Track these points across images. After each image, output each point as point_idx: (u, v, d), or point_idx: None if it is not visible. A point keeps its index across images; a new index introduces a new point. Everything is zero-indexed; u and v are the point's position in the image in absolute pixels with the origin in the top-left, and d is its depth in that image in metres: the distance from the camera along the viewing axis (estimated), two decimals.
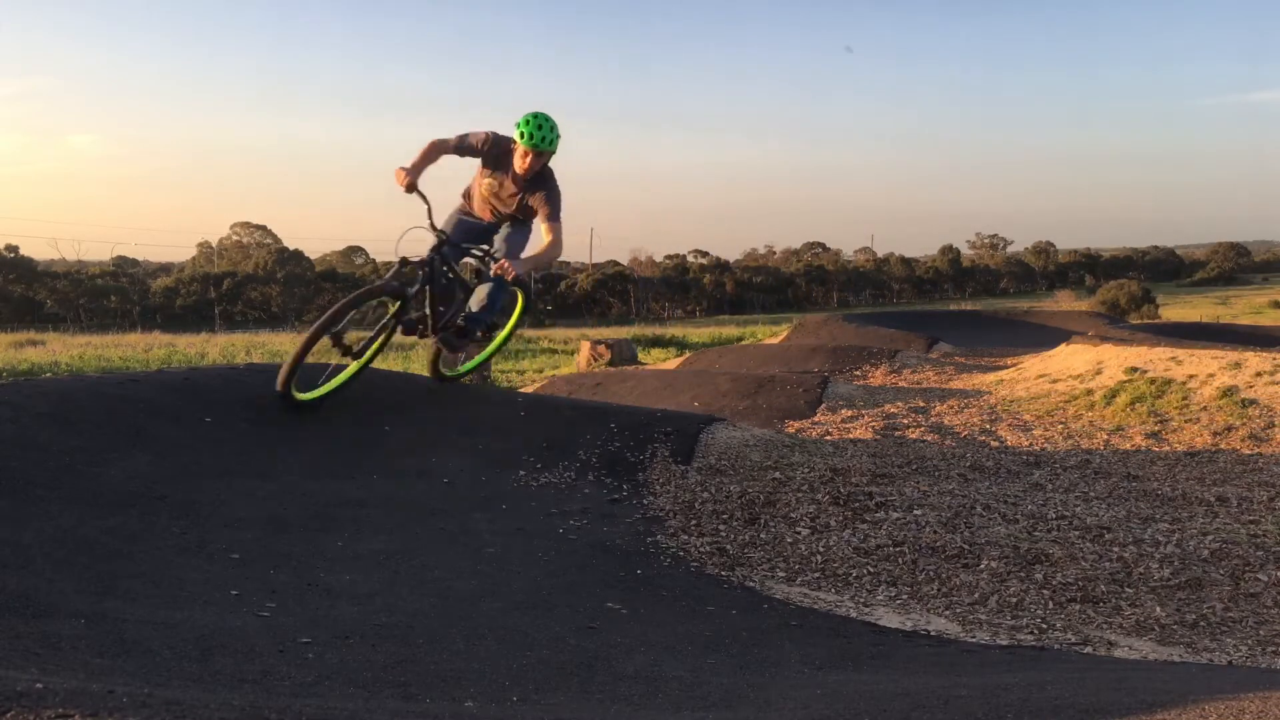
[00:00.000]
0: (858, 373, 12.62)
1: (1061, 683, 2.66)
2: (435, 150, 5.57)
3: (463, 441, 5.67)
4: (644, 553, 4.36)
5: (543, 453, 5.65)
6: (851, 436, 7.92)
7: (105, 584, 3.17)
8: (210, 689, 2.29)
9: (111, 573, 3.27)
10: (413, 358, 19.85)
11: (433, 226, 5.57)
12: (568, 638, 3.18)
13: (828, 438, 7.78)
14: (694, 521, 4.86)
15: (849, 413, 9.27)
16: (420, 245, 5.64)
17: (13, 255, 59.48)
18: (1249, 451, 7.24)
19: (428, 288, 5.57)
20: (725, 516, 4.95)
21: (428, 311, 5.69)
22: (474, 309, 5.96)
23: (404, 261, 5.55)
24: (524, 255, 5.69)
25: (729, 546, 4.55)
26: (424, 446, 5.50)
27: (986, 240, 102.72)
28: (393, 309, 5.51)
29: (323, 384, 5.56)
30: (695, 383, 10.97)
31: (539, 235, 5.69)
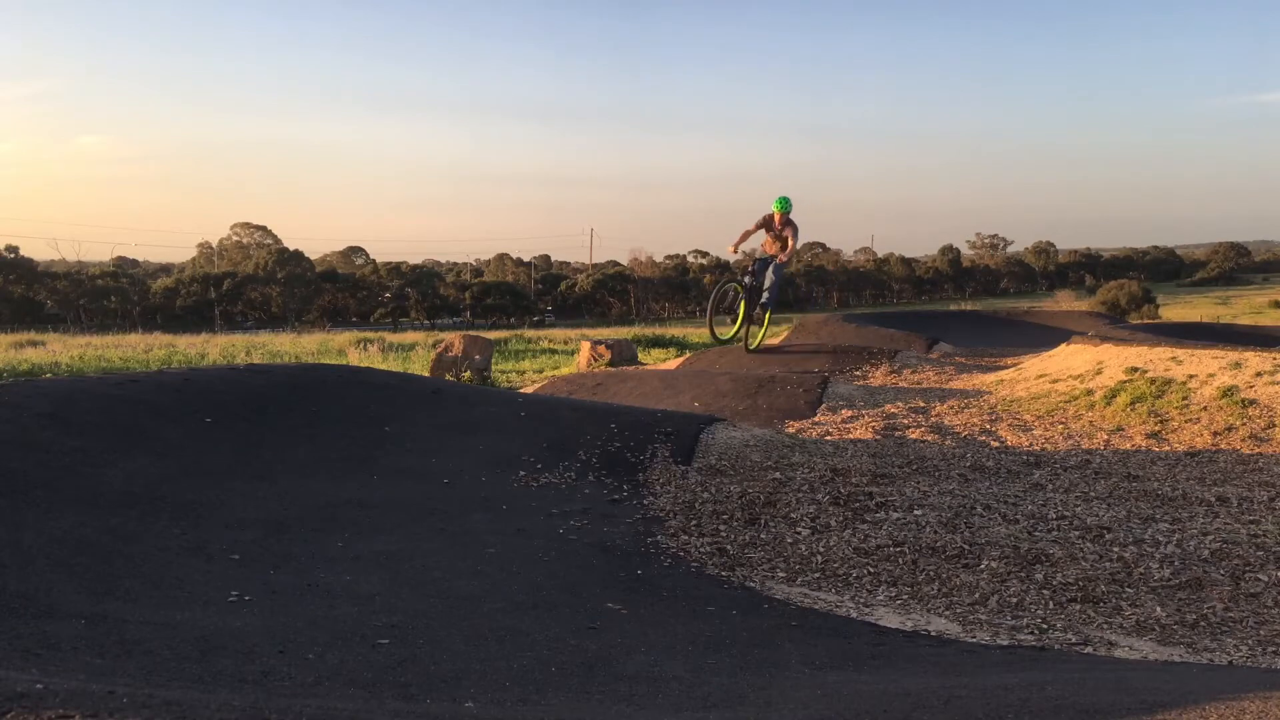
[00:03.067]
0: (858, 373, 12.62)
1: (1062, 683, 2.66)
2: (746, 236, 12.10)
3: (463, 442, 5.68)
4: (644, 553, 4.35)
5: (543, 453, 5.65)
6: (851, 436, 7.91)
7: (105, 584, 3.16)
8: (210, 689, 2.29)
9: (111, 573, 3.27)
10: (412, 358, 19.84)
11: (754, 260, 12.49)
12: (568, 638, 3.18)
13: (828, 438, 7.77)
14: (694, 522, 4.85)
15: (849, 413, 9.27)
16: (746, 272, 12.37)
17: (13, 256, 59.48)
18: (1249, 451, 7.24)
19: (750, 283, 12.26)
20: (725, 517, 4.95)
21: (750, 300, 12.28)
22: (765, 296, 12.39)
23: (741, 276, 12.49)
24: (781, 257, 12.24)
25: (729, 547, 4.55)
26: (424, 447, 5.51)
27: (986, 240, 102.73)
28: (742, 291, 12.31)
29: (731, 331, 12.82)
30: (695, 383, 10.96)
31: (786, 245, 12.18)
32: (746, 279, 12.37)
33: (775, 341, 17.94)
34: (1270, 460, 6.84)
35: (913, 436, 7.96)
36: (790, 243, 12.16)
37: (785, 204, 12.05)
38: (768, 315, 12.87)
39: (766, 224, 12.12)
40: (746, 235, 12.14)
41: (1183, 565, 4.42)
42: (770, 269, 12.34)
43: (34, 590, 2.95)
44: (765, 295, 12.41)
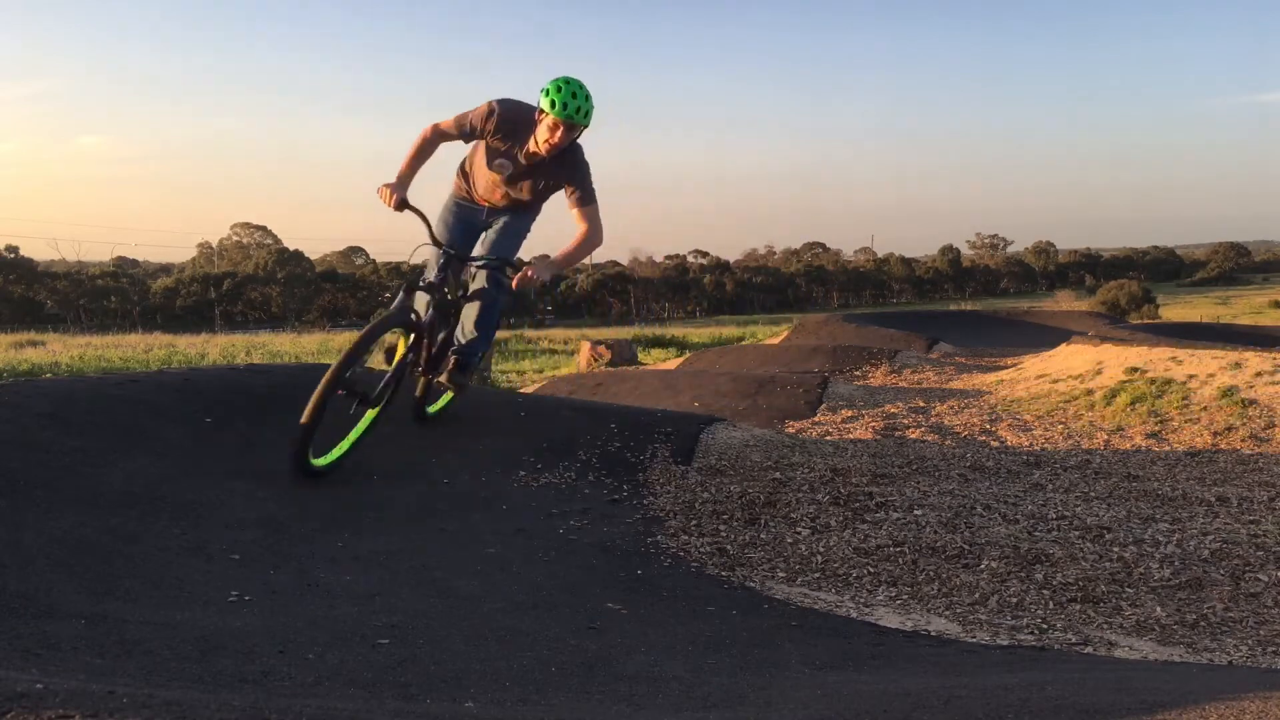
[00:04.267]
0: (858, 373, 12.62)
1: (1062, 683, 2.66)
2: (428, 146, 4.63)
3: (463, 442, 5.67)
4: (644, 553, 4.35)
5: (543, 453, 5.65)
6: (851, 436, 7.91)
7: (105, 584, 3.16)
8: (210, 689, 2.29)
9: (111, 573, 3.27)
10: None
11: (436, 242, 4.80)
12: (568, 638, 3.18)
13: (828, 438, 7.77)
14: (694, 522, 4.85)
15: (849, 413, 9.27)
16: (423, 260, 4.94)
17: (13, 256, 59.53)
18: (1249, 451, 7.24)
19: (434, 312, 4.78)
20: (725, 517, 4.95)
21: (426, 345, 4.87)
22: (464, 339, 5.19)
23: (410, 286, 4.72)
24: (556, 255, 4.79)
25: (729, 547, 4.55)
26: (424, 447, 5.50)
27: (986, 240, 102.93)
28: (405, 344, 4.75)
29: (339, 443, 4.76)
30: (695, 383, 10.96)
31: (575, 225, 4.79)
32: (422, 293, 4.83)
33: (775, 341, 17.75)
34: (1270, 460, 6.84)
35: (913, 436, 7.96)
36: (582, 223, 4.76)
37: (569, 97, 4.35)
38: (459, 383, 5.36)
39: (510, 132, 4.57)
40: (434, 141, 4.68)
41: (1183, 565, 4.42)
42: (488, 280, 4.99)
43: (34, 590, 2.95)
44: (471, 335, 5.22)
